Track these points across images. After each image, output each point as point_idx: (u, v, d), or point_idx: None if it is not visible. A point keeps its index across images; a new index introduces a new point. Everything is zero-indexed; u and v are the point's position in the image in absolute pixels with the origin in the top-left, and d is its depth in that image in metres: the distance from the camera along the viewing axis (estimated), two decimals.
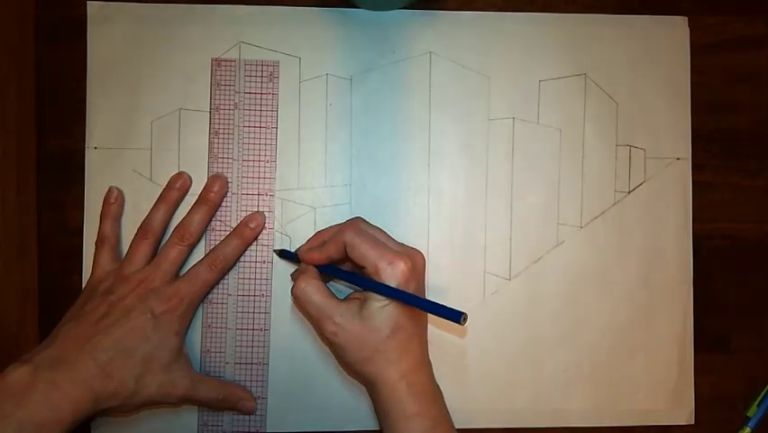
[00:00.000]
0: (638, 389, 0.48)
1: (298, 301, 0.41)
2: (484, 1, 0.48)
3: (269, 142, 0.47)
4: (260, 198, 0.47)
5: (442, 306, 0.38)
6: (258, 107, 0.47)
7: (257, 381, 0.46)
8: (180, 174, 0.46)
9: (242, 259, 0.46)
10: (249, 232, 0.45)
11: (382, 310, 0.39)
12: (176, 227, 0.44)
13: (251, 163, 0.47)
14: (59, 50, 0.46)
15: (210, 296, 0.46)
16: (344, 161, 0.47)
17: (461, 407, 0.46)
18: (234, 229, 0.45)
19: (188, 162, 0.46)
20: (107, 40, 0.46)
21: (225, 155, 0.47)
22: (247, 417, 0.46)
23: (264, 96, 0.47)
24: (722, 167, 0.49)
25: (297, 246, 0.46)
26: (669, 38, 0.48)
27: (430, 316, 0.43)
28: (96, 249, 0.45)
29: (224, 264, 0.44)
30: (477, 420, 0.47)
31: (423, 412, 0.39)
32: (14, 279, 0.45)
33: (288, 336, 0.46)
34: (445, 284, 0.47)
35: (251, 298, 0.46)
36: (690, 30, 0.48)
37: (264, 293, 0.46)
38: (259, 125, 0.47)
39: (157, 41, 0.46)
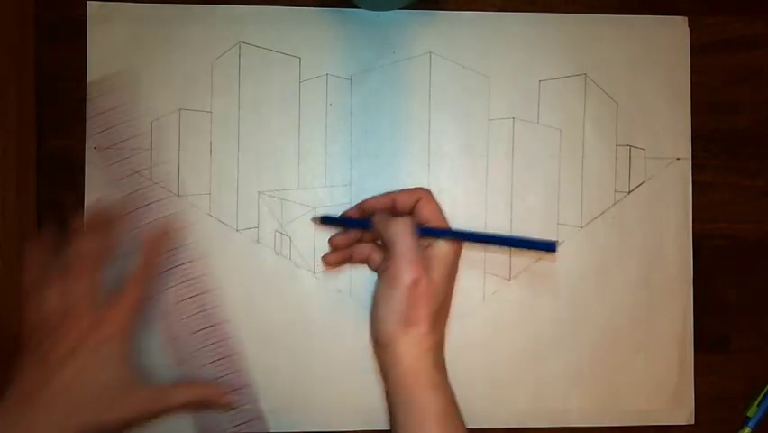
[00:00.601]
0: (638, 389, 0.48)
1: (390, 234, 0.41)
2: (484, 1, 0.48)
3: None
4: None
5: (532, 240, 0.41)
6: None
7: (237, 371, 0.46)
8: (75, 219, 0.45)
9: (173, 265, 0.45)
10: (157, 241, 0.45)
11: (442, 248, 0.41)
12: (72, 259, 0.43)
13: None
14: (59, 50, 0.46)
15: (160, 311, 0.45)
16: (344, 161, 0.47)
17: (461, 406, 0.46)
18: (142, 243, 0.44)
19: (188, 162, 0.46)
20: (107, 40, 0.46)
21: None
22: (246, 418, 0.46)
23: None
24: (722, 167, 0.49)
25: (296, 240, 0.46)
26: (669, 38, 0.48)
27: None
28: (27, 298, 0.43)
29: (144, 279, 0.43)
30: (477, 420, 0.47)
31: (445, 384, 0.40)
32: (14, 279, 0.45)
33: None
34: None
35: (197, 298, 0.46)
36: (690, 30, 0.48)
37: (207, 289, 0.46)
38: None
39: (157, 41, 0.46)
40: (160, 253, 0.45)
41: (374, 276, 0.46)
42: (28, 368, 0.41)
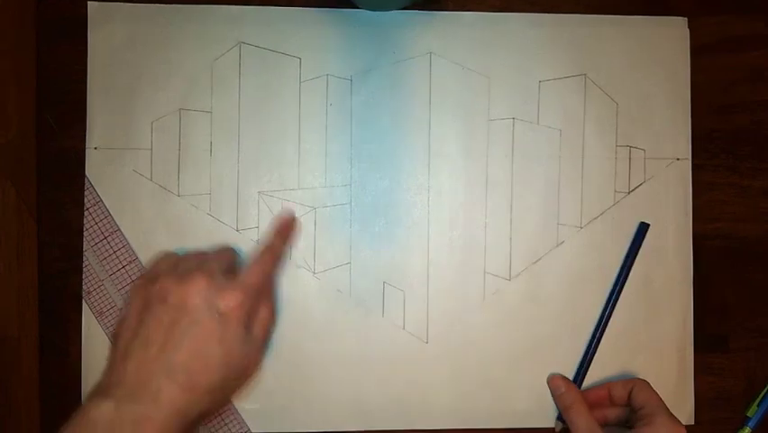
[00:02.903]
0: None
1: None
2: (484, 1, 0.48)
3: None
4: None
5: None
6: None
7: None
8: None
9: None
10: (286, 227, 0.46)
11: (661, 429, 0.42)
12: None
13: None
14: (60, 50, 0.46)
15: None
16: (344, 161, 0.47)
17: (461, 407, 0.47)
18: (274, 229, 0.45)
19: (188, 162, 0.46)
20: (107, 40, 0.46)
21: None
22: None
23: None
24: (722, 167, 0.49)
25: (297, 240, 0.46)
26: (669, 38, 0.48)
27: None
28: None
29: (269, 262, 0.43)
30: (477, 421, 0.47)
31: None
32: (14, 279, 0.46)
33: (284, 338, 0.46)
34: (445, 284, 0.47)
35: None
36: (690, 30, 0.48)
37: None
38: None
39: (157, 41, 0.46)
40: (286, 238, 0.46)
41: (374, 276, 0.47)
42: (137, 339, 0.37)
